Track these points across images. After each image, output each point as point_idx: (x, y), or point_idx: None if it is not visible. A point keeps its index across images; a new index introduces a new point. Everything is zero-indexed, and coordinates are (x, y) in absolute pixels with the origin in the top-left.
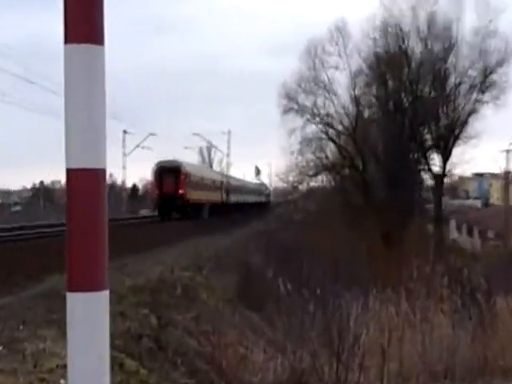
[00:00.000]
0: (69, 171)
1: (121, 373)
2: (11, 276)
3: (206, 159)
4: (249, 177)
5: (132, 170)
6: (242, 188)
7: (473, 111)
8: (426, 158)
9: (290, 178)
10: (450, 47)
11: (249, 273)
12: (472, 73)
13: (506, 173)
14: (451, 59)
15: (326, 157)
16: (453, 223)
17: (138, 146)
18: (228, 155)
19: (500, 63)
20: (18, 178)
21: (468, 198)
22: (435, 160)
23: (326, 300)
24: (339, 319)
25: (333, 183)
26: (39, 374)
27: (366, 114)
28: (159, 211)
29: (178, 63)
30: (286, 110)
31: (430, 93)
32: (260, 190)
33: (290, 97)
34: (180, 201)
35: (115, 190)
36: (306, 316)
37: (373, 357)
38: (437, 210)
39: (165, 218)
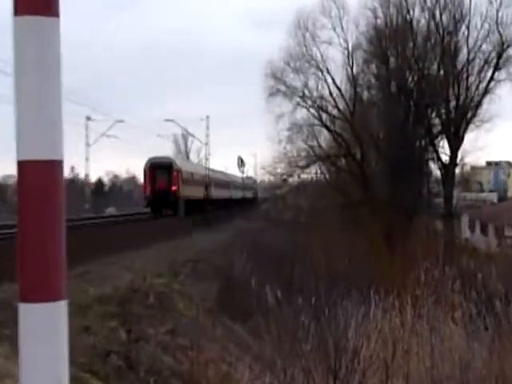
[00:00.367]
0: (20, 164)
1: None
2: None
3: (182, 149)
4: (231, 169)
5: (96, 162)
6: (223, 182)
7: (487, 91)
8: (433, 145)
9: (278, 170)
10: (461, 18)
11: (232, 279)
12: (486, 47)
13: None
14: (462, 32)
15: (319, 145)
16: (465, 220)
17: (103, 135)
18: (207, 144)
19: None
20: None
21: (482, 190)
22: (444, 148)
23: (321, 309)
24: (336, 330)
25: (327, 176)
26: None
27: (365, 96)
28: (151, 208)
29: (148, 41)
30: (273, 93)
31: (439, 71)
32: (246, 184)
33: (276, 77)
34: (173, 197)
35: (77, 185)
36: (298, 327)
37: (375, 373)
38: (446, 205)
39: (157, 214)
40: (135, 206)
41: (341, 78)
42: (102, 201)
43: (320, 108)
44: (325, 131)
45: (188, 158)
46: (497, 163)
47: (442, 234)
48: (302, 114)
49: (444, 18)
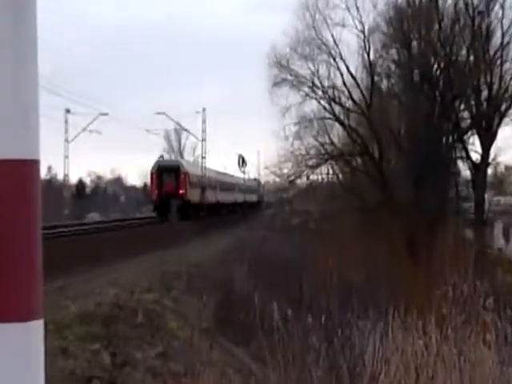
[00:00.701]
0: None
1: None
2: None
3: (175, 146)
4: (231, 169)
5: (77, 162)
6: (222, 184)
7: None
8: (462, 142)
9: (285, 171)
10: None
11: (231, 294)
12: None
13: None
14: (496, 12)
15: (331, 142)
16: (498, 227)
17: (84, 130)
18: (203, 141)
19: None
20: None
21: None
22: (475, 145)
23: (334, 329)
24: (351, 354)
25: (340, 176)
26: None
27: (384, 85)
28: (158, 212)
29: (136, 26)
30: (278, 83)
31: (468, 57)
32: (250, 186)
33: (282, 65)
34: (180, 201)
35: (54, 187)
36: (308, 350)
37: None
38: (477, 211)
39: (163, 218)
40: (122, 212)
41: (356, 65)
42: (84, 205)
43: (332, 99)
44: (338, 126)
45: (182, 156)
46: None
47: (473, 243)
48: (311, 106)
49: None
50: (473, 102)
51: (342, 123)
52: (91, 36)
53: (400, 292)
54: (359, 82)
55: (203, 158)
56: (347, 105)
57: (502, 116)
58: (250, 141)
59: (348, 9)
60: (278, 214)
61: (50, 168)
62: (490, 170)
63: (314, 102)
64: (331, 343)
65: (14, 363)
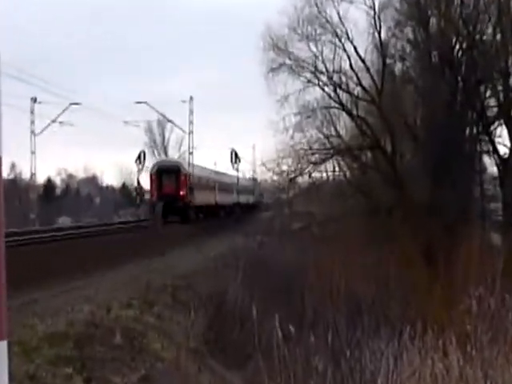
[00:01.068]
0: None
1: None
2: None
3: (158, 140)
4: (222, 165)
5: (45, 158)
6: (213, 183)
7: None
8: (488, 134)
9: (284, 168)
10: None
11: (224, 309)
12: None
13: None
14: None
15: (338, 134)
16: None
17: (54, 121)
18: (190, 134)
19: None
20: None
21: None
22: (503, 137)
23: (341, 349)
24: (361, 379)
25: (348, 174)
26: None
27: (397, 69)
28: None
29: (113, 3)
30: (275, 68)
31: (495, 36)
32: (244, 186)
33: (279, 48)
34: (181, 203)
35: (19, 187)
36: (311, 374)
37: None
38: (506, 212)
39: (166, 221)
40: (97, 216)
41: (365, 46)
42: (53, 209)
43: (338, 86)
44: (345, 116)
45: (166, 152)
46: None
47: (500, 249)
48: (314, 94)
49: None
50: (500, 88)
51: (349, 113)
52: (61, 16)
53: (416, 307)
54: (369, 65)
55: (190, 153)
56: (355, 92)
57: None
58: (243, 134)
59: None
60: (277, 217)
61: (13, 165)
62: None
63: (317, 89)
64: (338, 366)
65: None
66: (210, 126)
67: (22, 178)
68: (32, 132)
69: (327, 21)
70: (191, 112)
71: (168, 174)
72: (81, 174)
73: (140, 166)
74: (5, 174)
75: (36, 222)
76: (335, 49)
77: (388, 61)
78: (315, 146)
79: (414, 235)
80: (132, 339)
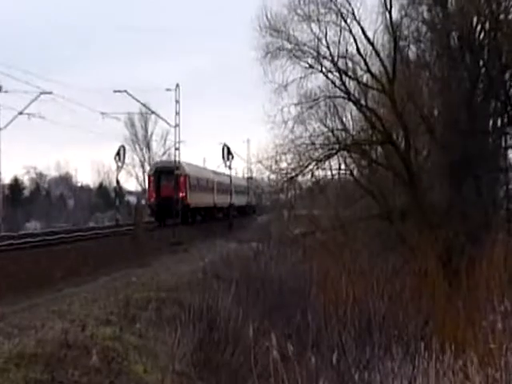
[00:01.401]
0: None
1: None
2: None
3: (140, 134)
4: (213, 162)
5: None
6: (212, 184)
7: None
8: None
9: (283, 165)
10: None
11: (215, 327)
12: None
13: None
14: None
15: (344, 128)
16: None
17: (21, 113)
18: (176, 127)
19: None
20: None
21: None
22: None
23: (348, 371)
24: None
25: (355, 172)
26: None
27: (411, 53)
28: (156, 217)
29: None
30: (273, 52)
31: None
32: (238, 186)
33: (277, 30)
34: (181, 205)
35: None
36: None
37: None
38: None
39: (161, 224)
40: (70, 220)
41: (374, 27)
42: (20, 212)
43: (344, 72)
44: (351, 106)
45: (148, 146)
46: None
47: None
48: (316, 81)
49: None
50: None
51: (356, 103)
52: None
53: (434, 323)
54: (379, 49)
55: (177, 149)
56: (363, 79)
57: None
58: (237, 127)
59: None
60: (275, 222)
61: None
62: None
63: (321, 76)
64: None
65: None
66: (198, 119)
67: None
68: None
69: None
70: (177, 102)
71: (167, 175)
72: (52, 173)
73: (119, 163)
74: None
75: (1, 228)
76: (340, 31)
77: (400, 44)
78: (318, 141)
79: (431, 242)
80: (110, 360)
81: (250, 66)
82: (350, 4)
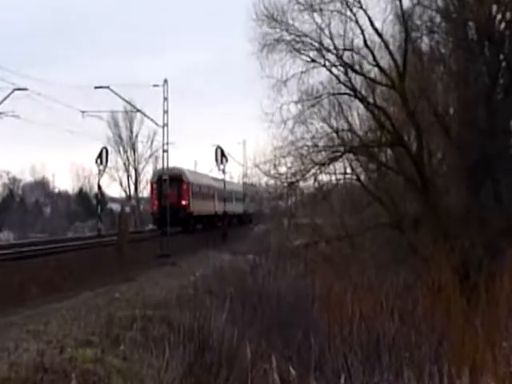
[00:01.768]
0: None
1: None
2: None
3: (125, 134)
4: (204, 166)
5: None
6: (213, 191)
7: None
8: None
9: (283, 170)
10: None
11: (206, 348)
12: None
13: None
14: None
15: (349, 128)
16: None
17: None
18: (165, 127)
19: None
20: None
21: None
22: None
23: None
24: None
25: (362, 177)
26: None
27: (424, 46)
28: (158, 225)
29: None
30: (271, 45)
31: None
32: (233, 192)
33: (275, 20)
34: (183, 213)
35: None
36: None
37: None
38: None
39: (163, 232)
40: (47, 230)
41: (383, 16)
42: None
43: (349, 66)
44: (358, 104)
45: (134, 147)
46: None
47: None
48: (319, 77)
49: None
50: None
51: (363, 100)
52: None
53: (449, 344)
54: (388, 40)
55: (165, 151)
56: (371, 74)
57: None
58: (231, 127)
59: None
60: (274, 231)
61: None
62: None
63: (324, 71)
64: None
65: None
66: (189, 118)
67: None
68: None
69: None
70: (166, 99)
71: (170, 182)
72: (27, 178)
73: (101, 167)
74: None
75: None
76: (345, 20)
77: (412, 35)
78: (321, 143)
79: (447, 253)
80: None
81: (245, 60)
82: None
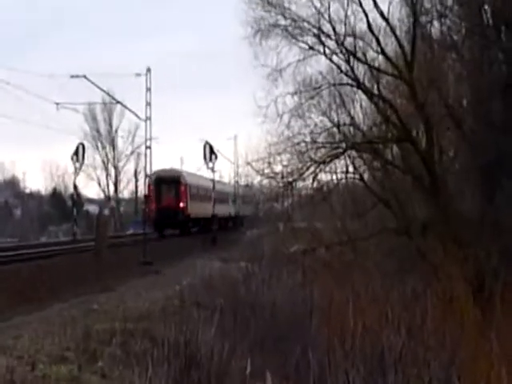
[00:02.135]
0: None
1: None
2: None
3: (103, 128)
4: (192, 164)
5: None
6: (210, 193)
7: None
8: None
9: (278, 168)
10: None
11: (193, 365)
12: None
13: None
14: None
15: (352, 123)
16: None
17: None
18: (148, 120)
19: None
20: None
21: None
22: None
23: None
24: None
25: (366, 176)
26: None
27: (435, 30)
28: (156, 227)
29: None
30: (264, 30)
31: None
32: (225, 194)
33: (270, 2)
34: (181, 215)
35: None
36: None
37: None
38: None
39: (163, 235)
40: (17, 234)
41: None
42: None
43: (351, 54)
44: (361, 96)
45: (113, 143)
46: None
47: None
48: (318, 66)
49: None
50: None
51: (367, 91)
52: None
53: (462, 362)
54: (395, 25)
55: (148, 147)
56: (376, 62)
57: None
58: (221, 122)
59: None
60: (269, 236)
61: None
62: None
63: (323, 60)
64: None
65: None
66: (175, 111)
67: None
68: None
69: None
70: (149, 90)
71: (167, 184)
72: None
73: (77, 165)
74: None
75: None
76: (347, 3)
77: (421, 19)
78: (321, 139)
79: (459, 262)
80: None
81: (237, 46)
82: None
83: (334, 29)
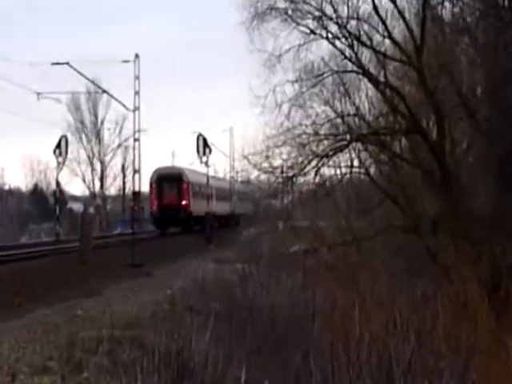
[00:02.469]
0: None
1: None
2: None
3: (88, 120)
4: (184, 157)
5: None
6: (211, 190)
7: None
8: None
9: (277, 162)
10: None
11: (186, 375)
12: None
13: None
14: None
15: (357, 113)
16: None
17: None
18: (136, 111)
19: None
20: None
21: None
22: None
23: None
24: None
25: (372, 170)
26: None
27: (446, 12)
28: (157, 225)
29: None
30: (262, 13)
31: None
32: (221, 190)
33: None
34: (183, 213)
35: None
36: None
37: None
38: None
39: (165, 233)
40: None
41: None
42: None
43: (356, 39)
44: (367, 84)
45: (99, 136)
46: None
47: None
48: (320, 51)
49: None
50: None
51: (373, 79)
52: None
53: (477, 371)
54: (403, 7)
55: (136, 140)
56: (382, 47)
57: None
58: (216, 112)
59: None
60: (267, 235)
61: None
62: None
63: (325, 45)
64: None
65: None
66: (165, 101)
67: None
68: None
69: None
70: (137, 78)
71: (169, 182)
72: None
73: (60, 159)
74: None
75: None
76: None
77: (432, 1)
78: (323, 130)
79: (473, 262)
80: None
81: (232, 31)
82: None
83: (336, 12)
